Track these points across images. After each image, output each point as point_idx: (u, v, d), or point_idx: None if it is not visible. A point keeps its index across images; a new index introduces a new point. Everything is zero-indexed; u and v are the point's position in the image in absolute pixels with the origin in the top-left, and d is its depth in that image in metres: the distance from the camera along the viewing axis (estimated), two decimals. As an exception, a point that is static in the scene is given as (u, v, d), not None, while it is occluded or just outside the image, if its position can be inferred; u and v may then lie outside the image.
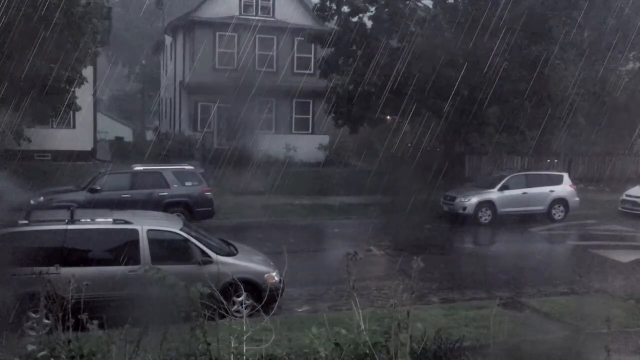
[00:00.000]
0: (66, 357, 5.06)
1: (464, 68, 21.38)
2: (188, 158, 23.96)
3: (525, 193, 21.28)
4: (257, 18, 30.07)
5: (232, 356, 5.08)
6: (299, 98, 29.61)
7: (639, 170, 29.45)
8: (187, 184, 18.09)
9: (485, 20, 20.92)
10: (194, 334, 5.01)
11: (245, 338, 5.18)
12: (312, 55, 29.91)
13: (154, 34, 45.64)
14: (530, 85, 21.56)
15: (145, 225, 10.34)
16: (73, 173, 20.92)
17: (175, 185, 17.92)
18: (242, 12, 30.37)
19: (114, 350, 4.95)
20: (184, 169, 18.66)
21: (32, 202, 16.03)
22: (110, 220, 10.49)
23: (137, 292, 7.80)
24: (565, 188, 21.83)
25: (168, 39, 35.75)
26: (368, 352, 5.24)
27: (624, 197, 22.88)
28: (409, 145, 26.28)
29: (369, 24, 24.76)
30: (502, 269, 14.73)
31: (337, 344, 5.24)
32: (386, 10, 23.87)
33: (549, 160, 27.77)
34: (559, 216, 21.49)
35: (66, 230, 9.85)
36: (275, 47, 30.25)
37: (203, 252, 10.30)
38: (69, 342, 5.16)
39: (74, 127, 26.71)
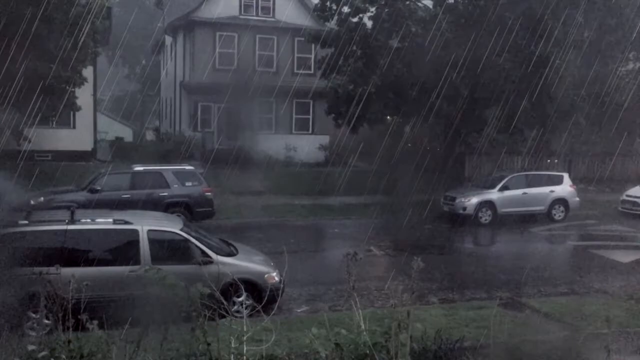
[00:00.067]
0: (66, 357, 5.06)
1: (464, 68, 21.37)
2: (188, 158, 23.97)
3: (525, 193, 21.29)
4: (257, 18, 30.13)
5: (232, 356, 5.08)
6: (298, 98, 29.63)
7: (639, 170, 29.47)
8: (187, 184, 18.08)
9: (485, 20, 20.93)
10: (194, 334, 5.01)
11: (245, 338, 5.18)
12: (312, 55, 29.87)
13: (154, 34, 45.61)
14: (530, 85, 21.56)
15: (145, 225, 10.35)
16: (73, 173, 20.88)
17: (175, 185, 17.91)
18: (242, 12, 30.39)
19: (114, 350, 4.95)
20: (184, 168, 18.66)
21: (32, 202, 16.03)
22: (110, 220, 10.51)
23: (137, 292, 7.78)
24: (565, 188, 21.85)
25: (168, 39, 35.75)
26: (368, 352, 5.24)
27: (624, 197, 22.90)
28: (409, 145, 26.30)
29: (369, 24, 24.74)
30: (502, 269, 14.71)
31: (337, 344, 5.23)
32: (386, 10, 23.85)
33: (548, 160, 27.75)
34: (559, 216, 21.50)
35: (66, 231, 9.83)
36: (275, 47, 30.27)
37: (203, 252, 10.30)
38: (69, 342, 5.16)
39: (74, 127, 26.69)
